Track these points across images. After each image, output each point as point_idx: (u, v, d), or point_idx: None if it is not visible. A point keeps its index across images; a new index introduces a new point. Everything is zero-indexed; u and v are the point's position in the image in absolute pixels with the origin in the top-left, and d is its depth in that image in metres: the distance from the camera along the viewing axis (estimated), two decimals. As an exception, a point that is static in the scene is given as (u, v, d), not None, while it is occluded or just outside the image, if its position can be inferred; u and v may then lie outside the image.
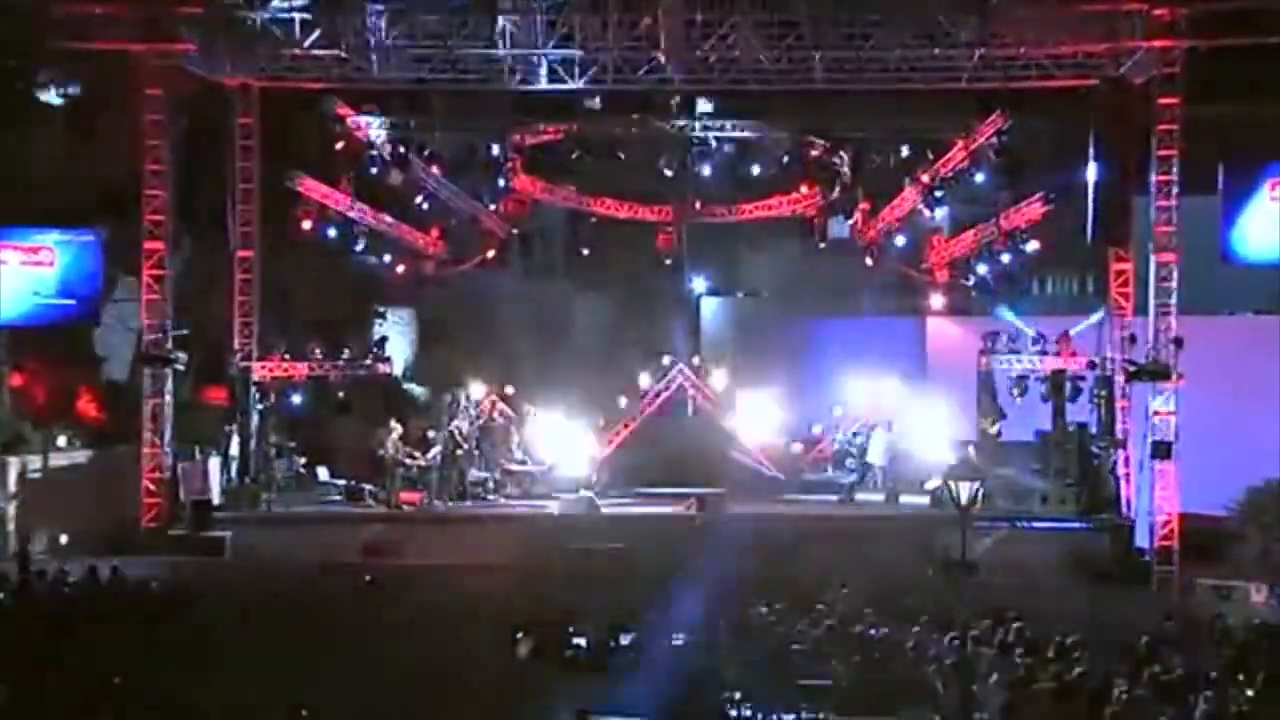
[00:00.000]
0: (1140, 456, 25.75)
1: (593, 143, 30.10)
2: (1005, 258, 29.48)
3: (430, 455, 27.90)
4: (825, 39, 25.01)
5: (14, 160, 26.86)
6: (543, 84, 26.63)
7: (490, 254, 32.10)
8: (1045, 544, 24.97)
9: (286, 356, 28.57)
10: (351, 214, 29.52)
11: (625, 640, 17.79)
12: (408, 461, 27.54)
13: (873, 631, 17.56)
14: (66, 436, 27.38)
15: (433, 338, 33.73)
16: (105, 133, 27.06)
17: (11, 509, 25.54)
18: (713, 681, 16.16)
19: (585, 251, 32.59)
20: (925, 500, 27.09)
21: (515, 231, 32.25)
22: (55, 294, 26.74)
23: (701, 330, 34.39)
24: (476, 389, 29.22)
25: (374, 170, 29.55)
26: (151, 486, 26.07)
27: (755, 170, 30.43)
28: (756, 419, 30.23)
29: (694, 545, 23.48)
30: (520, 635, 18.11)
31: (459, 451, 28.12)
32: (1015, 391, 27.33)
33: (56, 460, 26.67)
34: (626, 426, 30.20)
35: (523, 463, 29.05)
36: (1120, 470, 26.41)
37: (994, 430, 27.47)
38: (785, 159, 30.29)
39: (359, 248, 30.15)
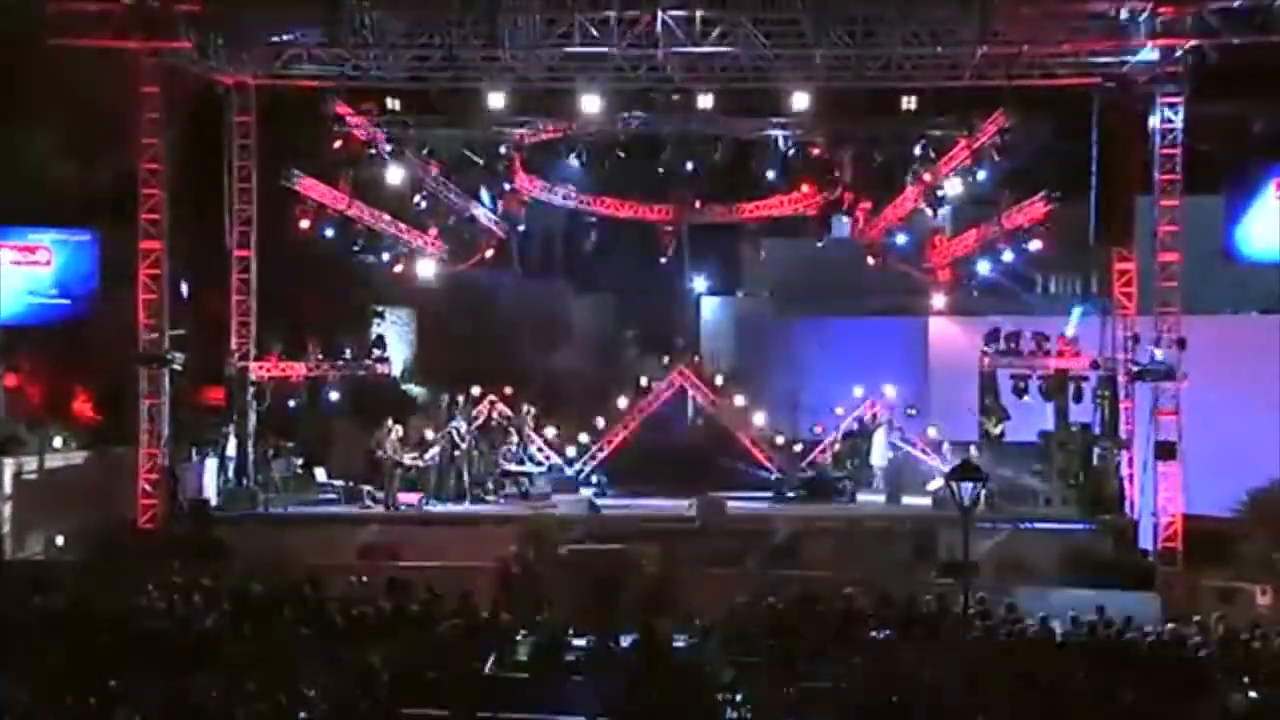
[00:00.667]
0: (1144, 457, 25.67)
1: (593, 142, 29.99)
2: (1007, 256, 29.41)
3: (429, 455, 27.82)
4: (826, 37, 24.92)
5: (12, 159, 26.76)
6: (543, 84, 26.48)
7: (490, 253, 32.03)
8: (1048, 545, 24.84)
9: (284, 356, 28.46)
10: (350, 213, 29.39)
11: (624, 642, 17.68)
12: (406, 462, 27.44)
13: (873, 632, 17.51)
14: (62, 437, 27.27)
15: (432, 338, 33.61)
16: (104, 132, 26.97)
17: (6, 510, 25.41)
18: (712, 682, 16.09)
19: (585, 251, 32.49)
20: (927, 501, 26.99)
21: (516, 230, 32.16)
22: (51, 293, 26.62)
23: (701, 330, 34.31)
24: (475, 389, 29.12)
25: (372, 169, 29.43)
26: (148, 487, 25.92)
27: (756, 169, 30.30)
28: (756, 419, 30.15)
29: (694, 545, 23.36)
30: (520, 636, 18.03)
31: (458, 452, 28.01)
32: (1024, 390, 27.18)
33: (52, 461, 26.55)
34: (626, 426, 30.11)
35: (522, 463, 28.95)
36: (1123, 471, 26.30)
37: (997, 431, 27.40)
38: (786, 158, 30.17)
39: (357, 247, 30.05)
